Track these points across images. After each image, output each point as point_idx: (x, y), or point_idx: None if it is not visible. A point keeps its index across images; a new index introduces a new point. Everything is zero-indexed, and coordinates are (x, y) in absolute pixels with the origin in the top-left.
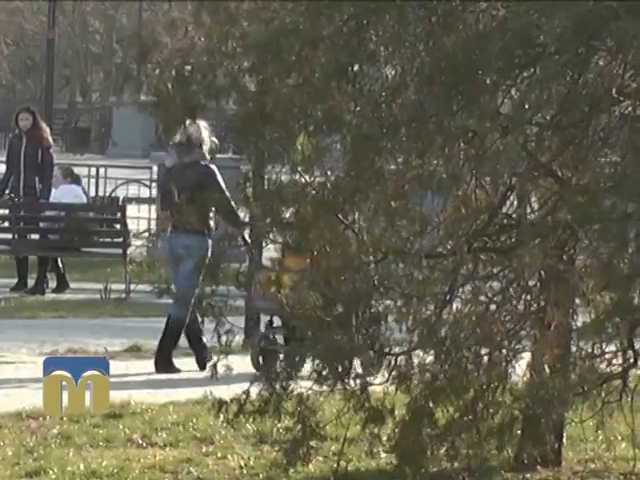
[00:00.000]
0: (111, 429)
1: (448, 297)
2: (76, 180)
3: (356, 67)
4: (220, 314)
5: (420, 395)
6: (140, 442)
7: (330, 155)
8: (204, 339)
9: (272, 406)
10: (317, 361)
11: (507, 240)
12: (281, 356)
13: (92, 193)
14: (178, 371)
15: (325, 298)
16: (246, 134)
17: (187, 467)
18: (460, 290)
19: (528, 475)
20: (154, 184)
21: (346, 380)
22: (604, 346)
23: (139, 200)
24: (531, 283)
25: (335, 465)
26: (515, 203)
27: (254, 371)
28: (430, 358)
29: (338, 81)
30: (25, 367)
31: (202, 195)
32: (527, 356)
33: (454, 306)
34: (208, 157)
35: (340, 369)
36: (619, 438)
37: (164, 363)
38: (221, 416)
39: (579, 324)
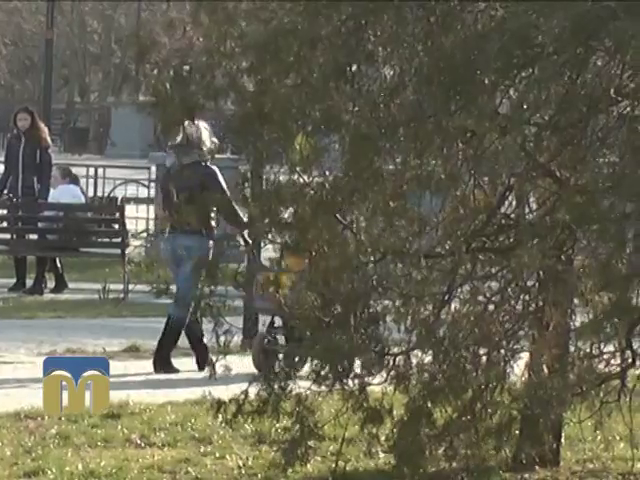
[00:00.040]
0: (109, 429)
1: (446, 297)
2: (74, 180)
3: (354, 67)
4: (218, 314)
5: (418, 395)
6: (138, 442)
7: (328, 155)
8: (205, 340)
9: (270, 406)
10: (316, 361)
11: (505, 240)
12: (280, 356)
13: (90, 193)
14: (177, 371)
15: (324, 298)
16: (244, 134)
17: (185, 467)
18: (458, 290)
19: (526, 475)
20: (152, 184)
21: (344, 380)
22: (602, 346)
23: (137, 200)
24: (529, 283)
25: (333, 465)
26: (513, 203)
27: (253, 371)
28: (428, 358)
29: (336, 81)
30: (23, 367)
31: (203, 196)
32: (525, 356)
33: (452, 306)
34: (209, 157)
35: (339, 369)
36: (617, 438)
37: (163, 363)
38: (219, 416)
39: (577, 324)
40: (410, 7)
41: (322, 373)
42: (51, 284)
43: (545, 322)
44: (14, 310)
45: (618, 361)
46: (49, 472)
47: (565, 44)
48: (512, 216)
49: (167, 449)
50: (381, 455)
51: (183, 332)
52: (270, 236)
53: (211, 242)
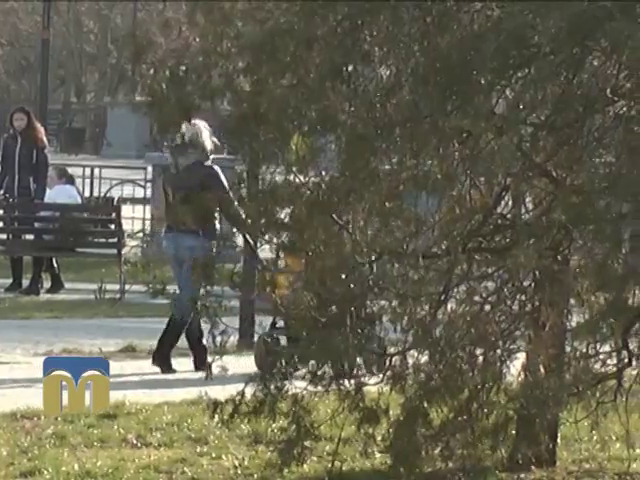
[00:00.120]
0: (106, 429)
1: (443, 297)
2: (70, 180)
3: (350, 67)
4: (214, 315)
5: (415, 395)
6: (135, 442)
7: (324, 155)
8: (204, 340)
9: (267, 406)
10: (312, 361)
11: (502, 240)
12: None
13: (87, 193)
14: (174, 371)
15: (320, 298)
16: (240, 134)
17: (182, 467)
18: (455, 290)
19: (522, 475)
20: (149, 184)
21: (341, 380)
22: (598, 346)
23: (134, 200)
24: (526, 283)
25: (330, 465)
26: (510, 203)
27: (249, 372)
28: (425, 358)
29: (332, 81)
30: (20, 367)
31: (205, 196)
32: (522, 356)
33: (449, 306)
34: (210, 157)
35: (335, 369)
36: (613, 438)
37: (162, 361)
38: (216, 416)
39: (574, 324)
40: (406, 7)
41: (318, 373)
42: (47, 284)
43: (541, 322)
44: (10, 310)
45: (614, 361)
46: (45, 472)
47: (561, 44)
48: (508, 216)
49: (163, 449)
50: (377, 455)
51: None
52: (267, 236)
53: (214, 242)
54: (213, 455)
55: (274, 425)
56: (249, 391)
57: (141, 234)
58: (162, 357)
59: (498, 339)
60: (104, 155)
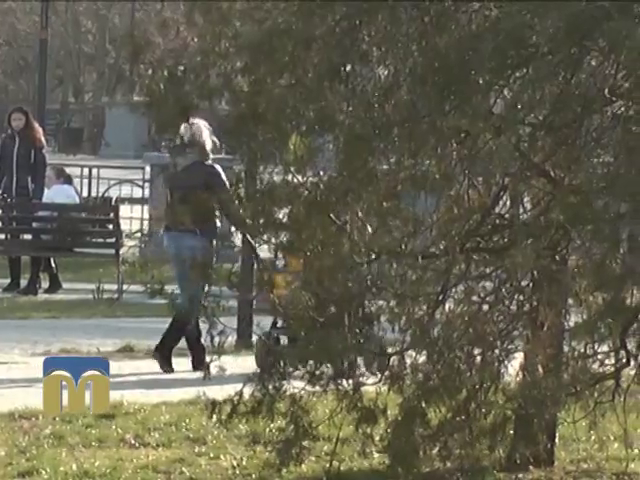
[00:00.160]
0: (104, 429)
1: (441, 297)
2: (68, 180)
3: (349, 67)
4: (213, 315)
5: (413, 395)
6: (133, 442)
7: (322, 155)
8: (202, 340)
9: (265, 406)
10: (310, 361)
11: (500, 240)
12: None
13: (85, 193)
14: (172, 371)
15: (318, 298)
16: (239, 134)
17: (180, 467)
18: (453, 290)
19: (520, 475)
20: (147, 184)
21: (339, 380)
22: (596, 346)
23: (132, 200)
24: (524, 283)
25: (328, 465)
26: (508, 203)
27: (247, 372)
28: (423, 358)
29: (331, 81)
30: (18, 367)
31: (206, 195)
32: (520, 356)
33: (447, 306)
34: (211, 157)
35: (333, 369)
36: (611, 438)
37: (163, 359)
38: (214, 416)
39: (572, 324)
40: (404, 7)
41: (316, 373)
42: (45, 284)
43: (539, 322)
44: (8, 310)
45: (612, 361)
46: (43, 472)
47: (559, 44)
48: (506, 216)
49: (161, 449)
50: (375, 455)
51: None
52: (265, 236)
53: (214, 242)
54: (211, 455)
55: (272, 425)
56: (247, 391)
57: (139, 234)
58: (163, 357)
59: (496, 339)
60: (102, 155)
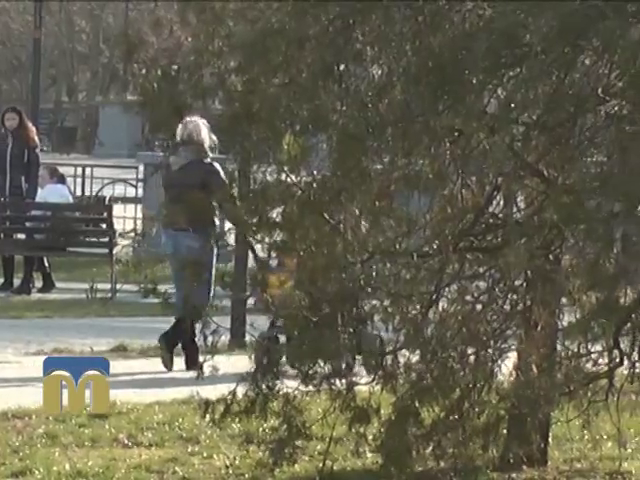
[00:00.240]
0: (97, 429)
1: (434, 297)
2: (61, 180)
3: (342, 67)
4: (206, 315)
5: (406, 395)
6: (126, 442)
7: (316, 155)
8: (196, 340)
9: (258, 406)
10: (303, 361)
11: (493, 240)
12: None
13: (78, 193)
14: (169, 370)
15: (311, 298)
16: (232, 134)
17: (173, 467)
18: (446, 289)
19: (514, 474)
20: (140, 184)
21: (332, 380)
22: (590, 346)
23: (125, 200)
24: (517, 283)
25: (321, 465)
26: (501, 203)
27: (240, 371)
28: (416, 358)
29: (324, 81)
30: (11, 367)
31: (205, 193)
32: (513, 355)
33: (440, 305)
34: (209, 155)
35: (326, 369)
36: (605, 437)
37: (166, 360)
38: (207, 416)
39: (565, 324)
40: (398, 7)
41: (310, 373)
42: (39, 284)
43: (533, 321)
44: (1, 310)
45: (606, 360)
46: (36, 472)
47: (553, 43)
48: (500, 215)
49: (154, 449)
50: (369, 455)
51: None
52: (258, 236)
53: (212, 241)
54: (204, 455)
55: (265, 425)
56: (240, 391)
57: (133, 234)
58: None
59: (490, 338)
60: (96, 154)
